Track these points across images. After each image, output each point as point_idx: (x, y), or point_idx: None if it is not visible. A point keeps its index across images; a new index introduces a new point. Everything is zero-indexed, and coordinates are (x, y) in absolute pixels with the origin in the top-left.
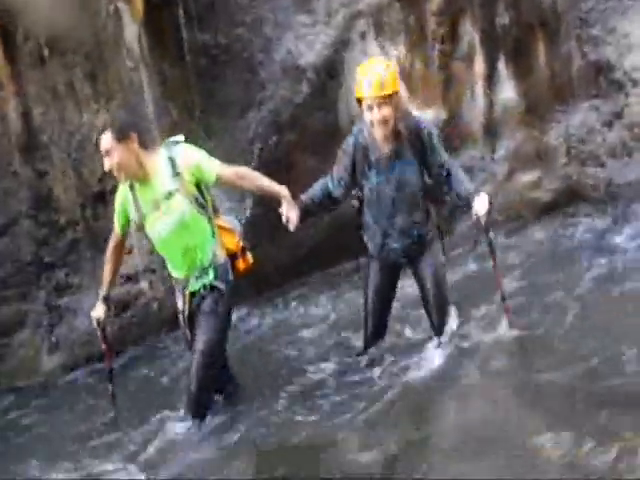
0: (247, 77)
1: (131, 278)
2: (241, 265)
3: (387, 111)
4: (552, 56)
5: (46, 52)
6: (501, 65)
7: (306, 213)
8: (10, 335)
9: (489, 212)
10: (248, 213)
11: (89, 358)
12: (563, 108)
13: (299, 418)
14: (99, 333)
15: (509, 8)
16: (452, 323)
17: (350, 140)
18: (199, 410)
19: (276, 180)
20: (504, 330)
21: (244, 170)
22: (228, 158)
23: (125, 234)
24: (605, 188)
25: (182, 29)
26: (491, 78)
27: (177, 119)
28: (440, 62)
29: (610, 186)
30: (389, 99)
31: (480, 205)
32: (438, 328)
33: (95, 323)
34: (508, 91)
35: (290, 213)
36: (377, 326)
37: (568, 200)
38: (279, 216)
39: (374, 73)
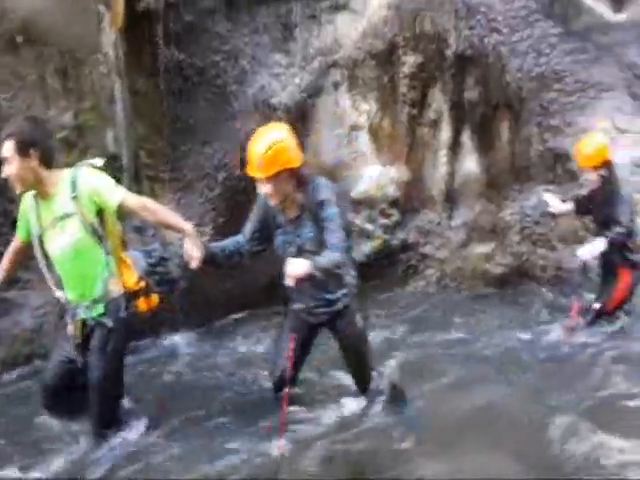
0: (219, 105)
1: None
2: (143, 305)
3: (269, 189)
4: (514, 137)
5: (19, 39)
6: (466, 137)
7: (212, 260)
8: None
9: (300, 278)
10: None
11: (30, 356)
12: (520, 188)
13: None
14: None
15: (478, 84)
16: (379, 383)
17: (261, 197)
18: (103, 437)
19: (237, 212)
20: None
21: (150, 203)
22: (189, 182)
23: (26, 242)
24: (554, 271)
25: (160, 45)
26: (455, 148)
27: (143, 133)
28: (408, 124)
29: (559, 270)
30: (271, 178)
31: (291, 267)
32: (360, 390)
33: None
34: (470, 163)
35: (193, 251)
36: (290, 370)
37: (518, 277)
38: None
39: (254, 152)
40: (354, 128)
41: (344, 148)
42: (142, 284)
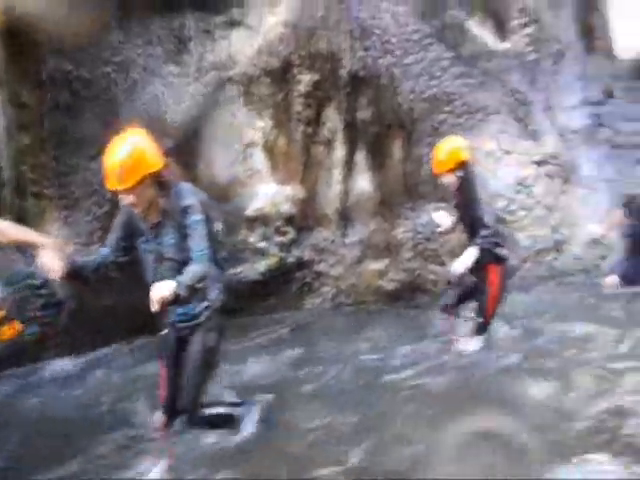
0: (107, 118)
1: None
2: (5, 333)
3: (131, 199)
4: (406, 156)
5: None
6: (359, 156)
7: (77, 273)
8: None
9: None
10: None
11: None
12: (413, 206)
13: None
14: None
15: (371, 104)
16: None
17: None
18: None
19: None
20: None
21: None
22: (76, 199)
23: None
24: (445, 285)
25: (44, 54)
26: (349, 167)
27: (26, 147)
28: (303, 142)
29: (450, 284)
30: (133, 188)
31: (156, 292)
32: (179, 407)
33: None
34: (364, 182)
35: (51, 263)
36: (171, 391)
37: (410, 292)
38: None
39: (112, 164)
40: (249, 145)
41: (239, 165)
42: (1, 312)
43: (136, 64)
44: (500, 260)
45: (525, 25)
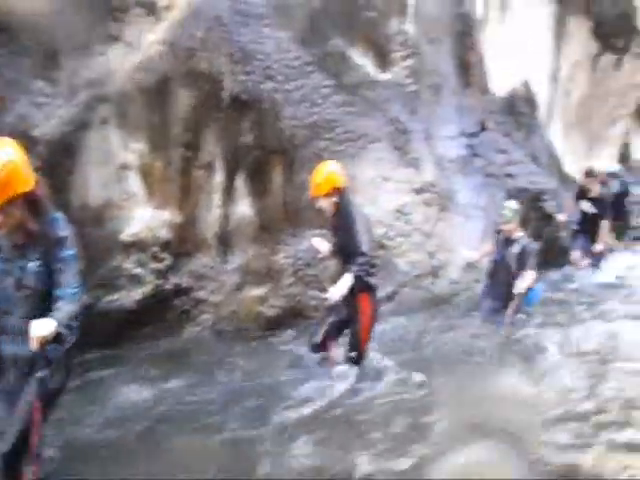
0: None
1: None
2: None
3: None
4: (287, 183)
5: None
6: (240, 181)
7: None
8: None
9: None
10: None
11: None
12: (294, 232)
13: None
14: None
15: (253, 129)
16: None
17: None
18: None
19: None
20: None
21: None
22: None
23: None
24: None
25: None
26: (229, 191)
27: None
28: (181, 166)
29: None
30: (2, 207)
31: (36, 330)
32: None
33: None
34: (244, 207)
35: None
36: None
37: (291, 318)
38: None
39: None
40: (123, 167)
41: (113, 188)
42: None
43: (1, 78)
44: (371, 289)
45: (406, 57)
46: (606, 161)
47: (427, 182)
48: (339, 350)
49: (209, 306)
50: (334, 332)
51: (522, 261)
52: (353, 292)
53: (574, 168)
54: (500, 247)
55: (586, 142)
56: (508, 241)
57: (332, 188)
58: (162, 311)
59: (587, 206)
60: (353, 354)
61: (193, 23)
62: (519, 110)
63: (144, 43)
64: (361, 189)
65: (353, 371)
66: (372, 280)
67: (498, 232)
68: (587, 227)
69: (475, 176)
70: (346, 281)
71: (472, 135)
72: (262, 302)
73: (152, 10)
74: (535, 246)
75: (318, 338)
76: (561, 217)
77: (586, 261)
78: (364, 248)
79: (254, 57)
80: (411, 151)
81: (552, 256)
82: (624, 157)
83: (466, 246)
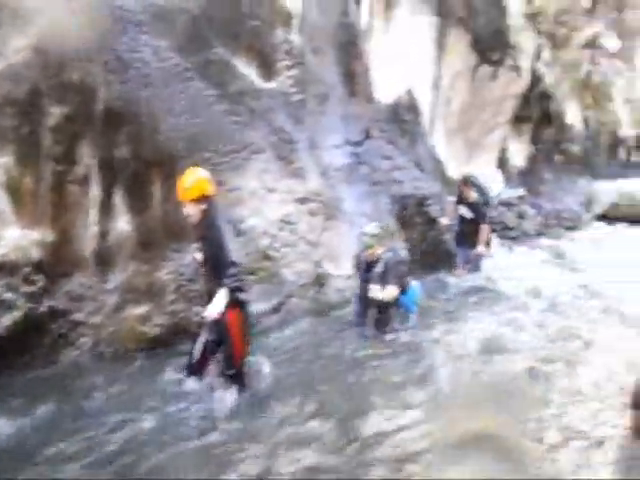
0: None
1: None
2: None
3: None
4: (168, 196)
5: None
6: (117, 196)
7: None
8: None
9: None
10: None
11: None
12: (176, 247)
13: None
14: None
15: (130, 141)
16: None
17: None
18: None
19: None
20: None
21: None
22: None
23: None
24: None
25: None
26: (107, 207)
27: None
28: (53, 181)
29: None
30: None
31: None
32: None
33: None
34: (123, 223)
35: None
36: None
37: (175, 335)
38: None
39: None
40: None
41: None
42: None
43: None
44: (240, 304)
45: (291, 67)
46: (485, 166)
47: (312, 191)
48: (216, 369)
49: (88, 328)
50: (210, 352)
51: (385, 278)
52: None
53: (457, 173)
54: (363, 270)
55: (467, 148)
56: (371, 264)
57: (201, 194)
58: (37, 337)
59: (464, 211)
60: (230, 372)
61: (65, 30)
62: (403, 118)
63: (9, 50)
64: (246, 200)
65: (233, 391)
66: (242, 295)
67: (359, 256)
68: (467, 230)
69: (361, 184)
70: (222, 296)
71: (357, 143)
72: (144, 321)
73: (18, 14)
74: (399, 256)
75: (194, 359)
76: (444, 221)
77: (466, 270)
78: (234, 258)
79: (131, 65)
80: (296, 161)
81: (437, 259)
82: (502, 162)
83: (352, 254)
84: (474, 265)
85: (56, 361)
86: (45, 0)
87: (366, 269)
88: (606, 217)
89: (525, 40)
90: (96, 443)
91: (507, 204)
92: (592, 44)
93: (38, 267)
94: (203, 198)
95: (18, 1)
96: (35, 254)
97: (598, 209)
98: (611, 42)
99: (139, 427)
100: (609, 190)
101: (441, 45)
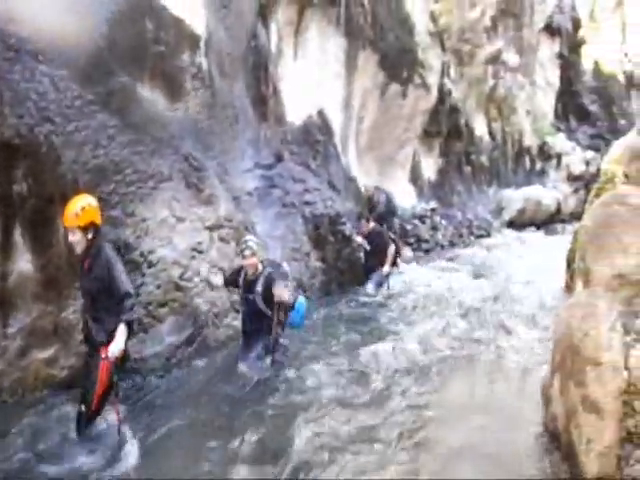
0: None
1: None
2: None
3: None
4: None
5: None
6: (17, 235)
7: None
8: None
9: None
10: None
11: None
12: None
13: None
14: None
15: (29, 176)
16: None
17: None
18: None
19: None
20: None
21: None
22: None
23: None
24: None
25: None
26: (6, 247)
27: None
28: None
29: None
30: None
31: None
32: None
33: None
34: (24, 262)
35: None
36: None
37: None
38: None
39: None
40: None
41: None
42: None
43: None
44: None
45: (198, 91)
46: (398, 181)
47: (223, 217)
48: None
49: None
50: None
51: (268, 297)
52: (92, 339)
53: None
54: (245, 290)
55: (380, 164)
56: (252, 283)
57: (90, 222)
58: None
59: (361, 240)
60: (84, 412)
61: None
62: (315, 138)
63: None
64: (154, 230)
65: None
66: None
67: (239, 270)
68: (373, 251)
69: (273, 207)
70: (121, 334)
71: (269, 166)
72: (51, 364)
73: None
74: (281, 270)
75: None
76: (358, 238)
77: (376, 289)
78: (128, 288)
79: (28, 98)
80: (206, 187)
81: (352, 276)
82: (415, 177)
83: None
84: (380, 282)
85: None
86: None
87: (248, 287)
88: (514, 223)
89: (432, 58)
90: None
91: (420, 217)
92: (495, 60)
93: None
94: (91, 226)
95: None
96: None
97: (507, 216)
98: (512, 58)
99: None
100: (516, 197)
101: (351, 65)
